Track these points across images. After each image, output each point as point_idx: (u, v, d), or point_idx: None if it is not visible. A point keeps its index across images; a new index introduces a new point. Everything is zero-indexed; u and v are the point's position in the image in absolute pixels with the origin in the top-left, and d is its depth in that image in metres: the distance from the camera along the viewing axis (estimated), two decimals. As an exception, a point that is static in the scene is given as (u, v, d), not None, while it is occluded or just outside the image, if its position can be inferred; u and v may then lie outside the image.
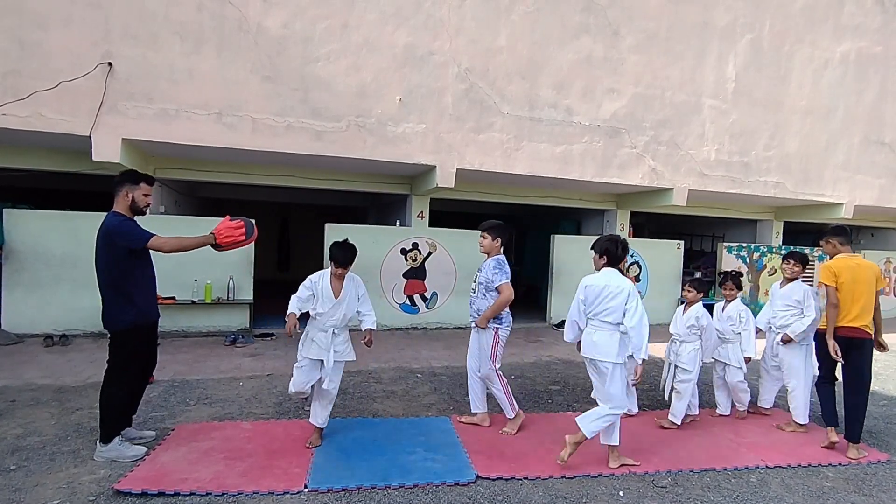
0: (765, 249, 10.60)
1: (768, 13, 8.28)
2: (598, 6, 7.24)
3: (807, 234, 13.60)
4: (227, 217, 3.48)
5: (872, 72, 9.20)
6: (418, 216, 8.26)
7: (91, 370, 5.16)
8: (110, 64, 5.42)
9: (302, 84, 6.09)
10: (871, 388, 4.11)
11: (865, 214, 10.81)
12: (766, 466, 3.69)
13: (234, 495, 2.97)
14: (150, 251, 3.33)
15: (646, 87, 7.61)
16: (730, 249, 10.27)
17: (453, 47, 6.62)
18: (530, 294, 11.45)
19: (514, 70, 6.93)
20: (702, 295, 4.42)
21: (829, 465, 3.77)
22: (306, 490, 3.05)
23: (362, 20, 6.25)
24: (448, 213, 10.98)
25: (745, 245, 10.47)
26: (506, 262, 4.04)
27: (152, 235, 3.28)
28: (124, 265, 3.28)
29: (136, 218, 3.43)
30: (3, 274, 6.40)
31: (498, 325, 3.99)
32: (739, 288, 4.65)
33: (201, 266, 6.84)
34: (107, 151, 5.48)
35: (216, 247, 3.40)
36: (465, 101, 6.74)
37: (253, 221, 3.56)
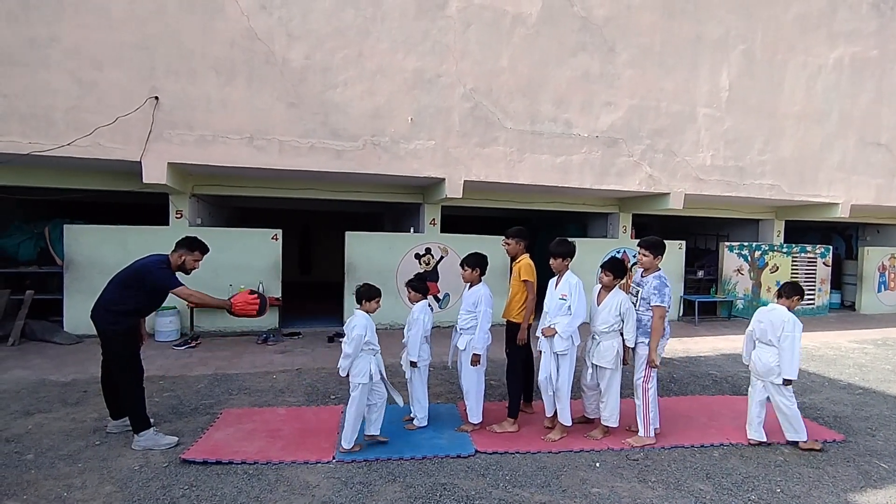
0: (766, 248, 10.98)
1: (760, 24, 8.70)
2: (593, 25, 7.78)
3: (814, 232, 13.91)
4: (248, 290, 4.09)
5: (868, 75, 9.54)
6: (430, 223, 8.91)
7: (146, 364, 5.91)
8: (157, 98, 6.18)
9: (322, 109, 6.77)
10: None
11: (866, 212, 11.11)
12: (730, 444, 4.24)
13: (276, 464, 3.65)
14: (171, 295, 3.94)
15: (641, 99, 8.12)
16: (731, 248, 10.70)
17: (459, 70, 7.24)
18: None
19: (516, 88, 7.52)
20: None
21: (787, 443, 4.29)
22: (334, 461, 3.72)
23: (375, 49, 6.91)
24: (460, 217, 11.62)
25: (746, 244, 10.87)
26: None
27: (181, 285, 3.89)
28: (140, 294, 3.89)
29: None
30: (65, 282, 7.26)
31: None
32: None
33: (234, 272, 7.61)
34: (155, 174, 6.26)
35: (230, 312, 3.98)
36: (471, 119, 7.35)
37: (267, 299, 4.13)
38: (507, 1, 7.33)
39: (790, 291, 4.28)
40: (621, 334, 4.17)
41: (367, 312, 3.94)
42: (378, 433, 3.96)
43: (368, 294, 3.96)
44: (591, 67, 7.83)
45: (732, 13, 8.51)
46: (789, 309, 4.20)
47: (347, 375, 3.89)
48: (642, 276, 4.24)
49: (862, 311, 12.03)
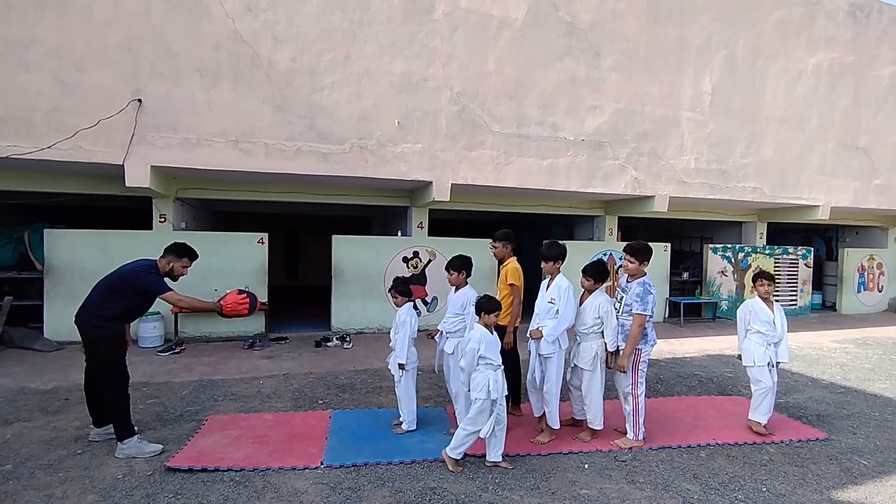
0: (749, 250, 11.15)
1: (742, 30, 8.86)
2: (579, 30, 7.85)
3: (796, 234, 14.17)
4: (236, 290, 4.05)
5: (845, 80, 9.75)
6: (418, 226, 8.90)
7: (129, 371, 5.81)
8: (140, 100, 6.10)
9: (309, 112, 6.74)
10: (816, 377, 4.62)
11: (845, 214, 11.35)
12: (717, 444, 4.28)
13: (262, 471, 3.61)
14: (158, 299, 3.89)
15: (626, 103, 8.21)
16: (715, 250, 10.84)
17: (446, 73, 7.25)
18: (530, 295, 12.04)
19: (503, 92, 7.55)
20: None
21: (773, 443, 4.34)
22: (322, 466, 3.69)
23: (362, 52, 6.90)
24: (448, 220, 11.62)
25: (730, 246, 11.03)
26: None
27: (171, 290, 3.87)
28: (127, 298, 3.83)
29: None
30: (45, 288, 7.12)
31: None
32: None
33: (220, 277, 7.50)
34: (138, 177, 6.16)
35: (221, 314, 3.96)
36: (458, 122, 7.37)
37: (256, 296, 4.11)
38: (493, 5, 7.38)
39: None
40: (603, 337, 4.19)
41: (486, 326, 3.79)
42: (500, 459, 3.76)
43: (488, 307, 3.80)
44: (576, 71, 7.90)
45: (715, 19, 8.65)
46: (759, 296, 4.58)
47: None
48: (627, 282, 4.25)
49: (842, 311, 12.27)
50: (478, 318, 3.83)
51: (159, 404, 4.92)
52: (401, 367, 4.23)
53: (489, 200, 9.36)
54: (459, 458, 3.72)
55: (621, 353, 4.11)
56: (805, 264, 11.67)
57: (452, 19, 7.21)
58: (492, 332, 3.80)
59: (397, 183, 7.73)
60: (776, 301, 4.63)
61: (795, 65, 9.29)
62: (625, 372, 4.09)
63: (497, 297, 4.53)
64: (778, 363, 4.56)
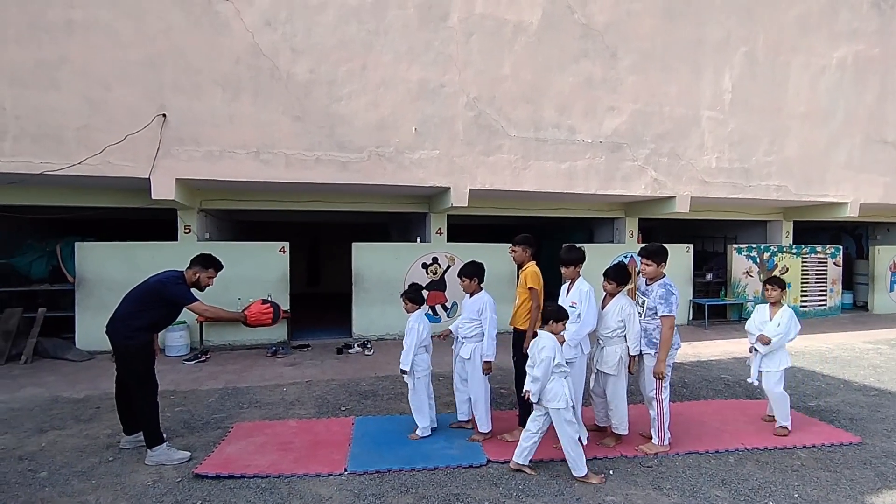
0: (775, 249, 10.90)
1: (761, 26, 8.71)
2: (595, 32, 7.81)
3: (824, 232, 13.80)
4: (260, 300, 4.12)
5: (871, 73, 9.50)
6: (437, 232, 8.93)
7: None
8: (164, 115, 6.26)
9: (328, 121, 6.83)
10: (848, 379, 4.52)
11: (875, 211, 11.01)
12: (745, 449, 4.19)
13: (288, 477, 3.65)
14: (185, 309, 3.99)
15: (644, 104, 8.12)
16: (739, 250, 10.62)
17: (462, 79, 7.28)
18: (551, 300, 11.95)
19: (519, 96, 7.55)
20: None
21: (804, 447, 4.23)
22: (346, 473, 3.71)
23: (379, 61, 6.97)
24: (466, 226, 11.63)
25: (754, 245, 10.79)
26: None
27: (197, 300, 3.96)
28: (156, 309, 3.93)
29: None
30: (76, 299, 7.33)
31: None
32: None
33: (243, 286, 7.63)
34: (163, 190, 6.32)
35: (245, 324, 4.03)
36: (475, 127, 7.38)
37: (279, 305, 4.18)
38: (508, 10, 7.39)
39: None
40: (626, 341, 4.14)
41: (553, 333, 3.74)
42: (526, 463, 3.75)
43: (557, 315, 3.77)
44: (593, 73, 7.85)
45: (733, 16, 8.52)
46: (768, 301, 4.88)
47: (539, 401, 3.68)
48: (647, 285, 4.20)
49: (875, 311, 11.89)
50: (544, 325, 3.79)
51: (186, 412, 5.02)
52: (403, 372, 4.26)
53: (507, 205, 9.34)
54: (586, 471, 3.64)
55: (655, 358, 4.04)
56: (834, 263, 11.36)
57: (467, 25, 7.25)
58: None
59: (415, 189, 7.78)
60: (802, 303, 4.58)
61: (818, 59, 9.09)
62: (662, 378, 4.03)
63: (516, 302, 4.53)
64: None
